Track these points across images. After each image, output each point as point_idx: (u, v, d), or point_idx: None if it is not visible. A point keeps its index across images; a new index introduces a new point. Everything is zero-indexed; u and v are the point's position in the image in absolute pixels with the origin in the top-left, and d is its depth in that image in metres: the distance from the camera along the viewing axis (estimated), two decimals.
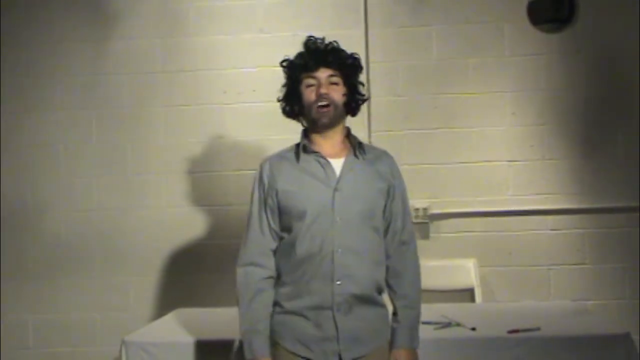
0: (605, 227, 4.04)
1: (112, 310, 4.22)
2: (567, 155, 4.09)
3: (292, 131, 4.36)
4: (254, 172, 4.11)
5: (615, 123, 4.06)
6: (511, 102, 4.12)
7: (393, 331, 2.42)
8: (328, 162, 2.41)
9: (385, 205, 2.44)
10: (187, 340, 2.90)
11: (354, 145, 2.46)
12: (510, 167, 4.12)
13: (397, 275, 2.45)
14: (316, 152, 2.43)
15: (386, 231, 2.46)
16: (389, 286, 2.46)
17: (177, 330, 3.10)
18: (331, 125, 2.44)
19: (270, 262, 2.43)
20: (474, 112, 4.14)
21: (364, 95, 2.53)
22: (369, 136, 4.05)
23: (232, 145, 4.21)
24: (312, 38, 2.48)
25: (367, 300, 2.38)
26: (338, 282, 2.33)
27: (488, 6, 4.12)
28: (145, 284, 4.22)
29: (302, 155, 2.44)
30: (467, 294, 4.02)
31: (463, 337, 2.83)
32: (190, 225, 4.21)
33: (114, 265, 4.24)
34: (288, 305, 2.39)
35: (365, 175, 2.42)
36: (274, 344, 2.39)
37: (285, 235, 2.42)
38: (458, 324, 2.96)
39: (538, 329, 2.84)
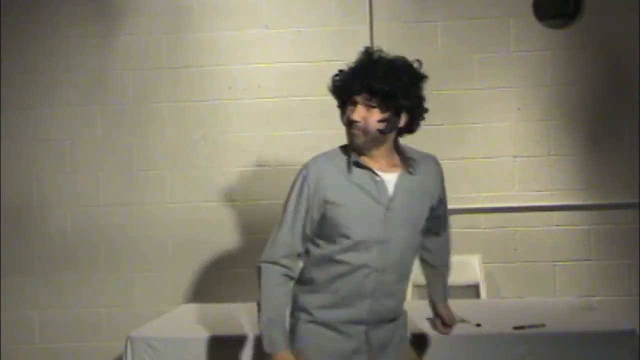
0: (611, 223, 4.03)
1: (117, 305, 4.23)
2: (573, 151, 4.08)
3: (297, 127, 4.37)
4: (258, 167, 4.18)
5: (621, 119, 4.04)
6: (516, 97, 4.11)
7: (434, 290, 2.60)
8: (382, 180, 2.33)
9: (430, 214, 2.44)
10: (192, 336, 2.90)
11: (406, 160, 2.39)
12: (515, 162, 4.11)
13: (434, 252, 2.58)
14: (369, 168, 2.34)
15: (427, 226, 2.46)
16: (423, 260, 2.60)
17: (182, 326, 3.10)
18: (366, 148, 2.34)
19: (295, 265, 2.37)
20: (479, 108, 4.13)
21: (423, 112, 2.43)
22: None
23: (237, 141, 4.21)
24: (368, 50, 2.37)
25: (397, 312, 2.42)
26: (377, 300, 2.32)
27: (493, 1, 4.11)
28: (150, 279, 4.23)
29: (354, 168, 2.34)
30: (472, 290, 4.02)
31: (468, 333, 2.83)
32: (195, 221, 4.21)
33: (119, 261, 4.25)
34: (319, 314, 2.34)
35: (417, 195, 2.37)
36: (298, 352, 2.32)
37: (322, 242, 2.35)
38: (463, 320, 2.95)
39: (543, 325, 2.84)
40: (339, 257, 2.30)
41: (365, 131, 2.30)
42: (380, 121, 2.30)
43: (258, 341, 2.81)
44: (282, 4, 4.22)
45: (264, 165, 4.19)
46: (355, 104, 2.32)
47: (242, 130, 4.21)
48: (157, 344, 2.88)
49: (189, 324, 3.10)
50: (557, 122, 4.09)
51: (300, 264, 2.39)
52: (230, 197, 4.21)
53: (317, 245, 2.35)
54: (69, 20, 4.26)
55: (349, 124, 2.32)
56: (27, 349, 4.27)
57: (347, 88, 2.33)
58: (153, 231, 4.23)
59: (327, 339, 2.33)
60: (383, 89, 2.28)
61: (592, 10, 4.05)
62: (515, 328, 2.81)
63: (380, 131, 2.31)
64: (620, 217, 4.04)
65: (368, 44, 4.08)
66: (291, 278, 2.37)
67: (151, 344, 2.88)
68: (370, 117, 2.30)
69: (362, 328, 2.32)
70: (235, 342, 2.83)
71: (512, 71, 4.10)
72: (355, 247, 2.29)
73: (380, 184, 2.32)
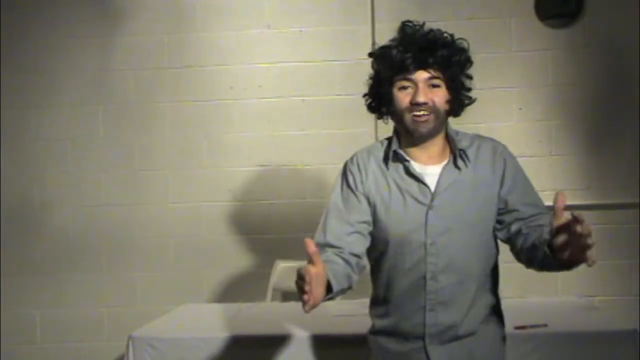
0: (613, 223, 4.03)
1: (118, 305, 4.23)
2: (574, 151, 4.07)
3: (298, 127, 4.36)
4: (260, 167, 4.18)
5: (623, 119, 4.04)
6: (518, 97, 4.10)
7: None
8: (423, 174, 2.05)
9: (501, 206, 2.09)
10: (194, 336, 2.90)
11: (454, 152, 2.09)
12: None
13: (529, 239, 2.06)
14: (407, 161, 2.07)
15: (511, 223, 2.09)
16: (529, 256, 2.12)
17: (184, 326, 3.10)
18: (430, 136, 2.06)
19: (350, 244, 2.00)
20: (480, 108, 4.06)
21: (470, 95, 2.17)
22: (375, 132, 4.04)
23: (238, 141, 4.21)
24: (409, 24, 2.08)
25: (467, 328, 2.08)
26: (430, 312, 2.03)
27: (494, 1, 4.10)
28: (152, 279, 4.23)
29: (391, 163, 2.08)
30: None
31: None
32: (197, 220, 4.22)
33: (121, 261, 4.25)
34: (377, 323, 2.13)
35: (468, 188, 2.05)
36: None
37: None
38: None
39: (545, 325, 2.83)
40: (383, 261, 2.05)
41: (437, 114, 2.03)
42: (447, 102, 2.07)
43: (258, 341, 2.82)
44: (284, 3, 4.21)
45: (266, 165, 4.19)
46: (413, 84, 2.01)
47: (244, 130, 4.21)
48: (159, 343, 2.87)
49: (191, 324, 3.10)
50: (559, 122, 4.08)
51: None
52: (231, 197, 4.21)
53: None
54: (70, 20, 4.26)
55: (412, 107, 2.01)
56: (28, 349, 4.27)
57: (406, 65, 2.00)
58: (154, 231, 4.23)
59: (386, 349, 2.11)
60: (452, 61, 2.03)
61: (594, 10, 4.04)
62: (517, 328, 2.80)
63: (449, 113, 2.07)
64: (621, 217, 4.03)
65: (370, 43, 4.09)
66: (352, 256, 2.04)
67: (153, 343, 2.87)
68: (435, 97, 2.04)
69: (419, 344, 2.05)
70: (235, 342, 2.83)
71: (514, 71, 4.10)
72: (396, 250, 2.03)
73: (422, 179, 2.04)
